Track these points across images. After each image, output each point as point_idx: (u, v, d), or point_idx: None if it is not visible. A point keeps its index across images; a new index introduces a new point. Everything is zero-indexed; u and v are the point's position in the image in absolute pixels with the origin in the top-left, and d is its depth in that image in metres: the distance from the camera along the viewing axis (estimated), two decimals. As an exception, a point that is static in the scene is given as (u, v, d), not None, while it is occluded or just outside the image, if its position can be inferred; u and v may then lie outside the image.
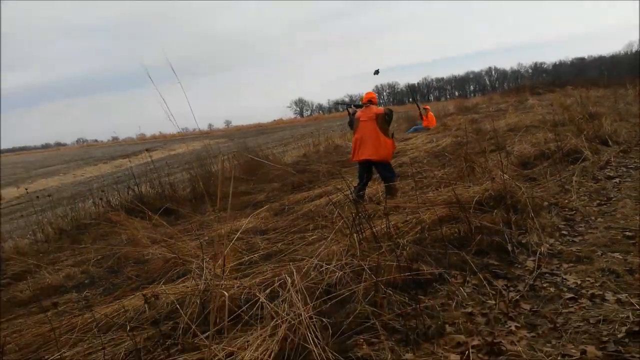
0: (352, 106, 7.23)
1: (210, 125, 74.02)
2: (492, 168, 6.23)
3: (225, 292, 3.29)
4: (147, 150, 12.81)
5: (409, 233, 4.70)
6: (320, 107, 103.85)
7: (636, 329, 2.79)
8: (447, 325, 3.11)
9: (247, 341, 2.94)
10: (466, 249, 4.21)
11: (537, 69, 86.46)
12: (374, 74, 7.54)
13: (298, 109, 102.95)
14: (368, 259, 3.74)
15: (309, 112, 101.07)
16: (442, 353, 2.82)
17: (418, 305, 3.20)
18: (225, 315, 3.20)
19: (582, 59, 75.27)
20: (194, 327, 3.18)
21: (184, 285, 3.92)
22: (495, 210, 4.84)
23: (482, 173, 6.44)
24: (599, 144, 8.13)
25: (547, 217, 4.99)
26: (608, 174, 6.59)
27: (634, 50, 59.62)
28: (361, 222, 4.23)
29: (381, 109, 6.73)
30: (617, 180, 6.29)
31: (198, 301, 3.52)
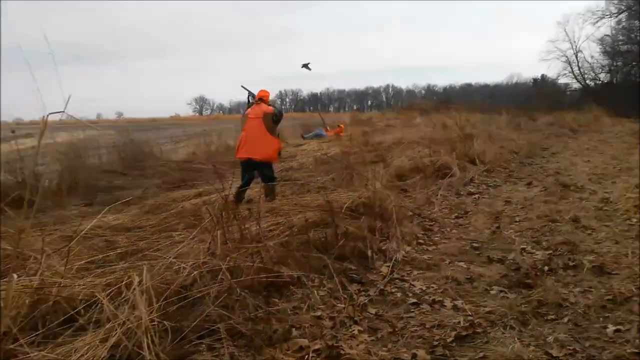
0: (254, 96, 7.07)
1: (98, 115, 68.82)
2: (370, 177, 6.45)
3: (60, 292, 2.99)
4: (12, 132, 11.58)
5: (279, 236, 4.67)
6: (221, 107, 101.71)
7: (464, 333, 2.99)
8: (294, 329, 3.10)
9: (74, 348, 2.68)
10: (329, 253, 4.27)
11: (430, 90, 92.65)
12: (303, 67, 7.44)
13: (198, 106, 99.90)
14: (228, 259, 3.64)
15: (209, 112, 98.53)
16: (282, 358, 2.80)
17: (268, 309, 3.16)
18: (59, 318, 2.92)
19: (469, 85, 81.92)
20: (15, 330, 2.85)
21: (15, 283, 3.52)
22: (363, 217, 4.99)
23: (360, 181, 6.67)
24: (468, 162, 8.81)
25: (409, 226, 5.25)
26: (470, 190, 7.15)
27: (514, 81, 65.95)
28: (229, 221, 4.13)
29: (271, 108, 6.65)
30: (476, 196, 6.84)
31: (27, 301, 3.17)
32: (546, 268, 3.90)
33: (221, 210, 4.34)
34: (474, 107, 26.52)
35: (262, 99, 6.76)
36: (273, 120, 6.54)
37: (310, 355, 2.78)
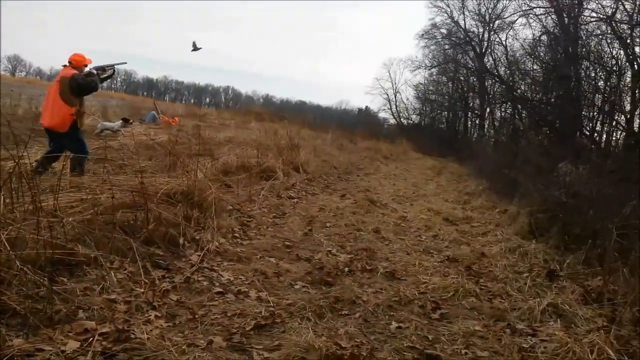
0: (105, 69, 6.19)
1: None
2: (194, 167, 6.22)
3: None
4: None
5: (81, 213, 4.18)
6: (39, 72, 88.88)
7: (263, 322, 3.02)
8: (81, 311, 2.78)
9: None
10: (136, 236, 3.98)
11: (268, 100, 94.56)
12: (193, 49, 6.69)
13: (10, 66, 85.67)
14: (10, 228, 3.13)
15: (23, 74, 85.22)
16: (61, 339, 2.48)
17: (52, 287, 2.78)
18: None
19: (304, 102, 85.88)
20: None
21: None
22: (180, 205, 4.77)
23: (182, 169, 6.38)
24: (293, 169, 9.13)
25: (227, 219, 5.20)
26: (290, 194, 7.40)
27: (342, 107, 71.08)
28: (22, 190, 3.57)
29: (71, 72, 5.76)
30: (295, 200, 7.11)
31: None
32: (346, 269, 4.21)
33: (11, 176, 3.73)
34: (306, 123, 27.86)
35: (71, 62, 5.94)
36: (70, 87, 5.77)
37: (96, 338, 2.51)
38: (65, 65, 5.85)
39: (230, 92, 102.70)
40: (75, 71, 5.74)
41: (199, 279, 3.65)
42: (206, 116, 26.71)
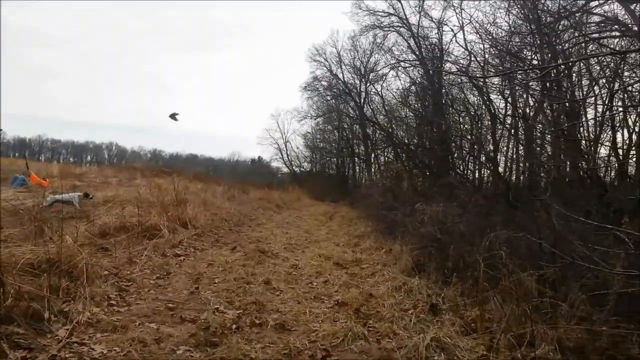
0: None
1: None
2: (63, 230, 5.69)
3: None
4: None
5: None
6: None
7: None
8: None
9: None
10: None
11: (156, 155, 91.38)
12: (170, 117, 5.99)
13: None
14: None
15: None
16: None
17: None
18: None
19: (195, 156, 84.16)
20: None
21: None
22: (44, 275, 4.30)
23: (51, 235, 5.83)
24: (180, 225, 8.74)
25: (102, 286, 4.77)
26: (177, 252, 7.04)
27: (235, 158, 70.90)
28: None
29: None
30: (182, 258, 6.78)
31: None
32: (234, 326, 4.04)
33: None
34: (197, 177, 27.23)
35: None
36: None
37: None
38: None
39: (114, 148, 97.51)
40: None
41: (67, 355, 3.26)
42: (85, 175, 25.01)
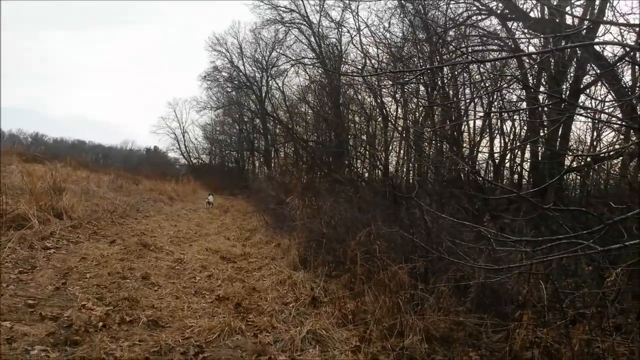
0: None
1: None
2: None
3: None
4: None
5: None
6: None
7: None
8: None
9: None
10: None
11: (38, 139, 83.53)
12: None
13: None
14: None
15: None
16: None
17: None
18: None
19: (83, 142, 78.21)
20: None
21: None
22: None
23: None
24: (53, 215, 8.02)
25: (-52, 282, 4.22)
26: (46, 244, 6.44)
27: (128, 147, 67.19)
28: None
29: None
30: (52, 251, 6.21)
31: None
32: (101, 324, 3.76)
33: None
34: (82, 164, 25.29)
35: None
36: None
37: None
38: None
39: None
40: None
41: None
42: (-54, 157, 22.15)
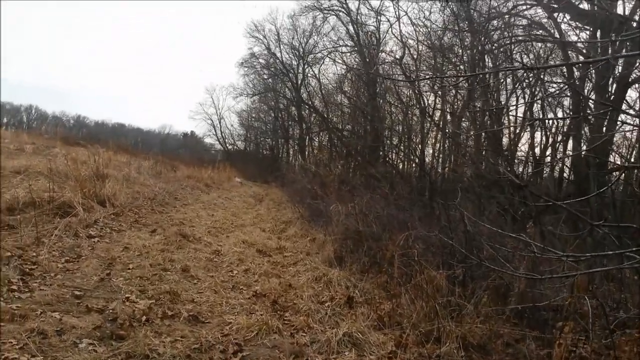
0: None
1: None
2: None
3: None
4: None
5: None
6: None
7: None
8: None
9: None
10: None
11: (80, 122, 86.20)
12: None
13: None
14: None
15: None
16: None
17: None
18: None
19: (123, 125, 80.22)
20: None
21: None
22: None
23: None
24: (96, 203, 8.29)
25: (4, 269, 4.44)
26: (91, 232, 6.67)
27: (166, 132, 68.55)
28: None
29: None
30: (96, 239, 6.43)
31: None
32: (144, 318, 3.89)
33: None
34: (122, 148, 25.98)
35: None
36: None
37: None
38: None
39: (33, 111, 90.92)
40: None
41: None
42: (-1, 140, 23.11)
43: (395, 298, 4.67)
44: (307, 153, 29.48)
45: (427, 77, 12.77)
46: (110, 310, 3.97)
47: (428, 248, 5.07)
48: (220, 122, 41.84)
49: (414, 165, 14.52)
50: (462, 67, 12.74)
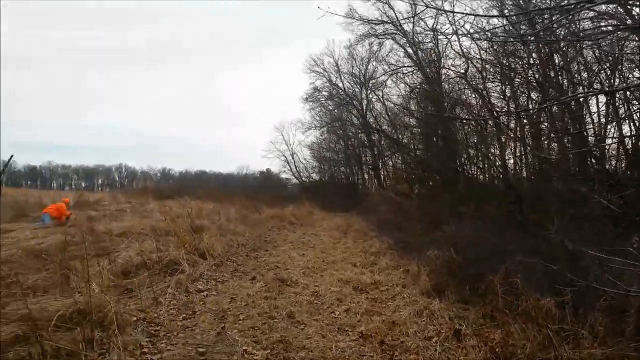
0: None
1: None
2: (90, 277, 5.87)
3: None
4: None
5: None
6: None
7: None
8: None
9: None
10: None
11: (166, 174, 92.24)
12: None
13: None
14: None
15: None
16: None
17: None
18: None
19: (204, 172, 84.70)
20: None
21: None
22: (78, 329, 4.48)
23: (77, 282, 6.05)
24: (198, 256, 8.89)
25: (132, 333, 4.92)
26: (199, 287, 7.18)
27: (244, 172, 71.31)
28: None
29: None
30: (205, 293, 6.91)
31: None
32: (265, 370, 4.16)
33: None
34: (208, 195, 27.45)
35: None
36: None
37: None
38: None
39: (123, 170, 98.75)
40: None
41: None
42: (99, 203, 25.28)
43: (502, 328, 4.61)
44: (382, 177, 29.49)
45: (503, 113, 12.51)
46: (233, 365, 4.28)
47: (530, 273, 4.95)
48: (293, 157, 43.06)
49: (495, 179, 14.08)
50: (530, 72, 12.36)
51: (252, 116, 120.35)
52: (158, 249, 8.46)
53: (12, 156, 7.42)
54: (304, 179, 43.44)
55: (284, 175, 46.92)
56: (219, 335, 5.17)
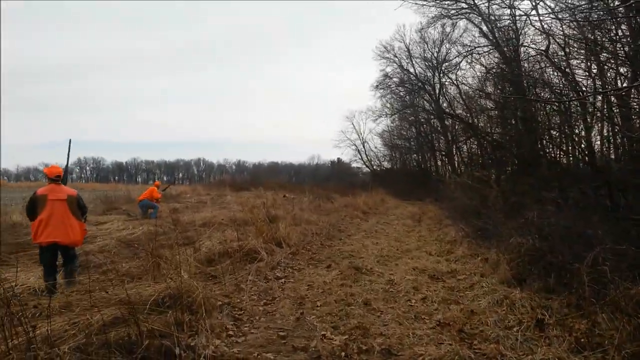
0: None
1: None
2: (177, 264, 6.30)
3: None
4: None
5: (75, 337, 4.22)
6: (6, 172, 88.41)
7: None
8: None
9: None
10: (133, 355, 4.01)
11: (240, 166, 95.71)
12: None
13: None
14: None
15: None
16: None
17: None
18: None
19: (276, 163, 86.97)
20: None
21: None
22: (170, 312, 4.83)
23: (167, 269, 6.49)
24: (275, 245, 9.22)
25: (218, 317, 5.23)
26: (277, 274, 7.46)
27: (315, 162, 72.23)
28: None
29: (74, 191, 6.45)
30: (282, 280, 7.17)
31: None
32: (343, 354, 4.27)
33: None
34: (281, 186, 28.18)
35: (59, 176, 6.35)
36: (78, 205, 6.38)
37: None
38: (52, 180, 6.19)
39: (201, 163, 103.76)
40: (71, 189, 6.43)
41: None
42: (182, 195, 26.78)
43: (588, 317, 4.40)
44: (456, 163, 28.68)
45: (590, 93, 11.62)
46: (313, 348, 4.43)
47: (619, 261, 4.67)
48: (364, 146, 42.97)
49: (580, 162, 13.24)
50: (619, 45, 11.44)
51: (323, 106, 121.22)
52: (238, 238, 8.88)
53: (70, 140, 7.95)
54: (375, 167, 43.24)
55: (354, 164, 46.97)
56: (298, 320, 5.37)
